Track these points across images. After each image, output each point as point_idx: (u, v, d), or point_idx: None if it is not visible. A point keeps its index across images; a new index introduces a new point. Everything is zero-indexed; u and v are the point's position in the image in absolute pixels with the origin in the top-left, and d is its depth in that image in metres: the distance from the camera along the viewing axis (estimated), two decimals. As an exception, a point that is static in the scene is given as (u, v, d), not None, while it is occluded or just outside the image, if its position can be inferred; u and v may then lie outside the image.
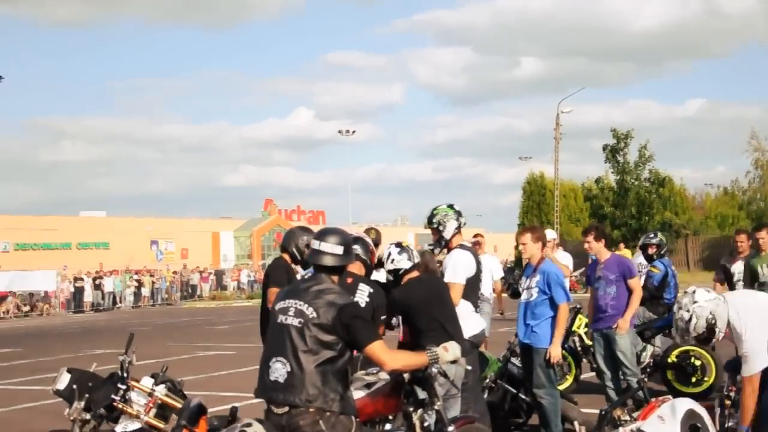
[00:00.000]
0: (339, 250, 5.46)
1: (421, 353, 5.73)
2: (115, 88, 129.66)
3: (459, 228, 8.24)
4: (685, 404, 6.96)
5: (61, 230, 60.71)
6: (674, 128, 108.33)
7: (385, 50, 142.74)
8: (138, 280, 46.71)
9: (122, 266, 48.93)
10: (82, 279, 43.57)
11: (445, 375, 6.02)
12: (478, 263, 8.24)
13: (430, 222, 8.26)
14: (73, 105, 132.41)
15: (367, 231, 9.14)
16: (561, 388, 10.95)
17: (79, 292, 43.17)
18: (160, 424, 8.55)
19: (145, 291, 46.80)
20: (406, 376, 5.90)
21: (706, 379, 11.13)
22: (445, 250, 8.23)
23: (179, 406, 8.78)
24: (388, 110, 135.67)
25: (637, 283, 9.69)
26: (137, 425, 6.44)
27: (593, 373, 11.46)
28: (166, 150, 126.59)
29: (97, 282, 44.22)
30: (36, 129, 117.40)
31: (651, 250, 11.86)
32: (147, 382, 8.83)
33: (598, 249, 9.68)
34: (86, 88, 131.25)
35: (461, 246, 8.24)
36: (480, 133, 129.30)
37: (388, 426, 5.86)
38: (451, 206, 8.33)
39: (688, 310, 6.78)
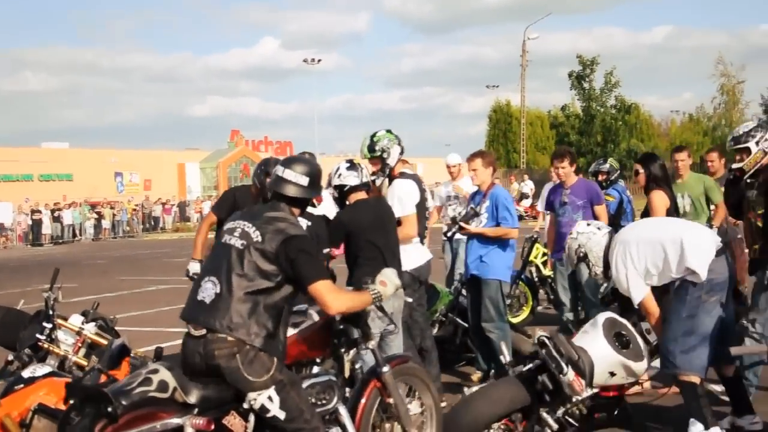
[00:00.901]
0: (303, 180, 5.05)
1: (363, 292, 5.26)
2: (77, 17, 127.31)
3: (402, 154, 7.60)
4: (604, 315, 6.62)
5: (23, 161, 59.24)
6: (641, 55, 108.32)
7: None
8: (98, 212, 45.83)
9: (86, 198, 48.21)
10: (39, 211, 42.38)
11: (382, 309, 5.52)
12: (422, 191, 7.65)
13: (371, 150, 7.53)
14: (34, 34, 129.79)
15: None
16: (517, 320, 10.57)
17: (36, 224, 42.11)
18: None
19: (106, 223, 45.95)
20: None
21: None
22: (386, 180, 7.60)
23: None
24: (355, 39, 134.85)
25: (603, 210, 9.29)
26: (47, 369, 5.84)
27: (550, 305, 11.09)
28: (130, 80, 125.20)
29: (55, 214, 43.24)
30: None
31: (601, 177, 11.29)
32: (76, 320, 8.31)
33: (568, 173, 9.24)
34: (48, 16, 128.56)
35: (402, 174, 7.61)
36: (447, 62, 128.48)
37: (315, 369, 5.31)
38: (389, 131, 7.63)
39: (566, 240, 6.90)
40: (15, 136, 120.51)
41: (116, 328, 9.28)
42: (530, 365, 6.34)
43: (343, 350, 5.47)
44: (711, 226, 8.70)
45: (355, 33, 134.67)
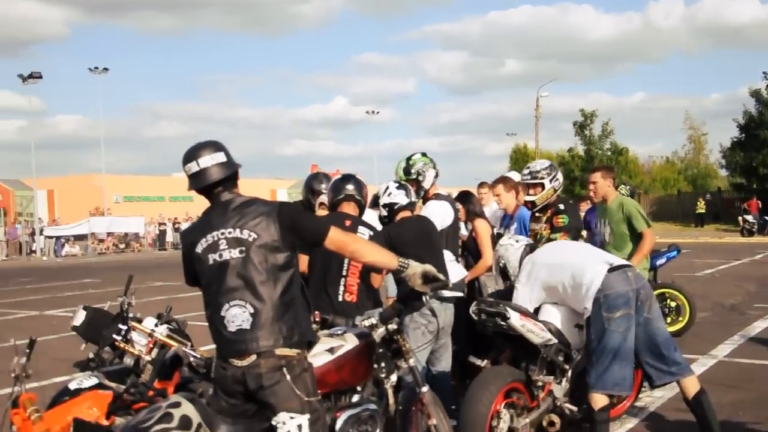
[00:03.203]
0: (221, 157, 3.38)
1: (391, 254, 3.67)
2: (199, 81, 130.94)
3: (437, 177, 5.96)
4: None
5: (158, 187, 59.79)
6: (622, 114, 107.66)
7: (401, 53, 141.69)
8: (207, 225, 45.11)
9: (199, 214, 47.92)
10: (164, 223, 41.99)
11: (433, 312, 4.12)
12: (456, 212, 6.01)
13: (407, 173, 5.90)
14: (167, 93, 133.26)
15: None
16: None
17: (162, 234, 41.51)
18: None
19: (214, 233, 45.12)
20: (378, 334, 3.74)
21: (680, 318, 9.08)
22: (421, 202, 5.99)
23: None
24: (404, 98, 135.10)
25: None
26: (94, 381, 4.32)
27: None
28: (236, 128, 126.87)
29: (176, 226, 42.30)
30: (140, 111, 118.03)
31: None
32: (149, 322, 6.92)
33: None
34: (178, 80, 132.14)
35: (437, 196, 5.98)
36: (474, 116, 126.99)
37: (355, 398, 3.65)
38: (424, 154, 5.99)
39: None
40: (153, 168, 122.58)
41: (193, 323, 7.89)
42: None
43: (383, 375, 3.81)
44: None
45: (404, 94, 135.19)
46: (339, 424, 3.39)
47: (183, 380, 4.97)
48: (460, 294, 5.53)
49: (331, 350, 3.55)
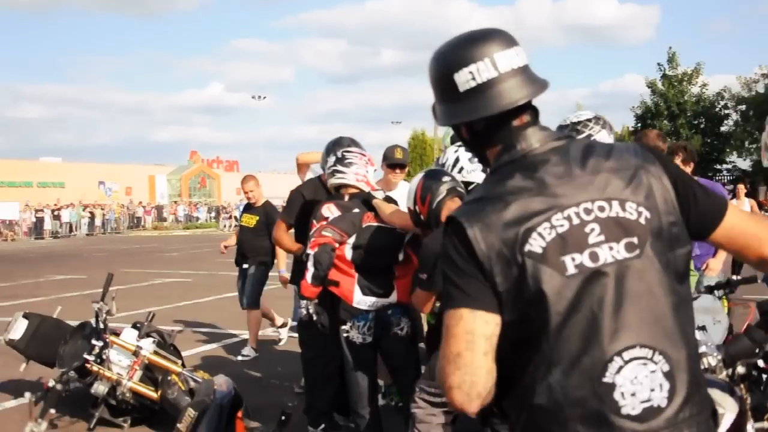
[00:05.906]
0: (524, 57, 1.58)
1: None
2: (65, 62, 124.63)
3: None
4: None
5: (24, 172, 55.71)
6: None
7: (279, 39, 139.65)
8: (91, 212, 41.61)
9: (76, 201, 44.42)
10: (42, 210, 38.30)
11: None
12: None
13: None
14: (31, 73, 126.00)
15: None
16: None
17: (39, 221, 37.80)
18: (150, 392, 5.04)
19: (97, 221, 41.70)
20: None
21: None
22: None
23: (170, 366, 5.22)
24: (282, 86, 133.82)
25: None
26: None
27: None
28: (107, 111, 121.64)
29: (55, 213, 38.92)
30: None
31: None
32: (129, 335, 5.30)
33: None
34: (41, 61, 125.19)
35: None
36: (353, 105, 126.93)
37: None
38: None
39: None
40: (17, 151, 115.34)
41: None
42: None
43: None
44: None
45: (282, 81, 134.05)
46: None
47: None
48: None
49: None
